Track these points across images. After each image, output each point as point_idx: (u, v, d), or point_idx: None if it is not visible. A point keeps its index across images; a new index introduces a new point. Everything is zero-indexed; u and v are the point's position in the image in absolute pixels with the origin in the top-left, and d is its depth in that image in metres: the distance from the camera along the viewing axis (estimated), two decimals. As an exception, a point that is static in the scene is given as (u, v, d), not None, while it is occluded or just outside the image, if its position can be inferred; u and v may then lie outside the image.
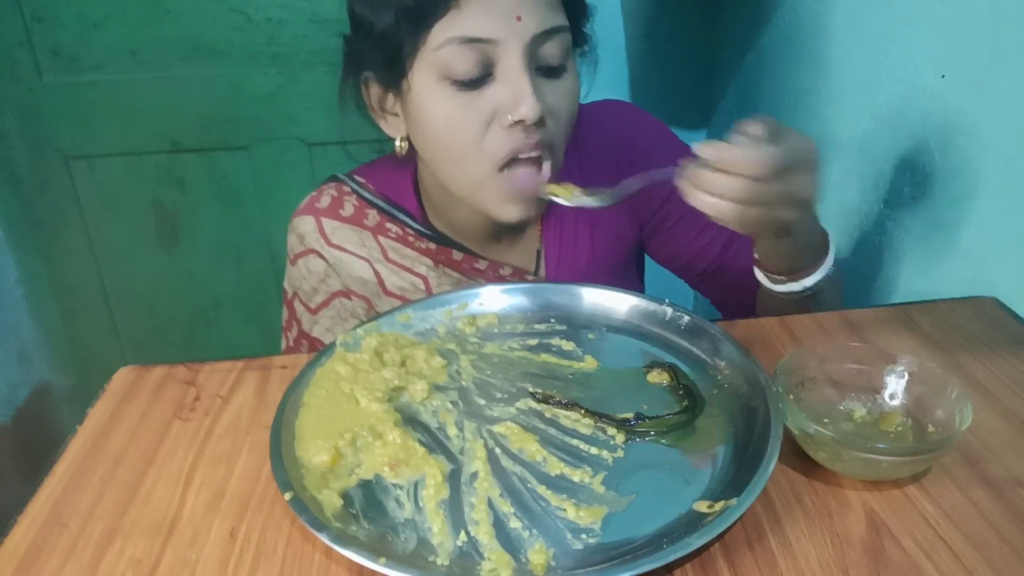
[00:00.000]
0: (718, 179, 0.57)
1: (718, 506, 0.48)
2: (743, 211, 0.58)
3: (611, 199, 0.68)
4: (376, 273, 0.83)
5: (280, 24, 1.50)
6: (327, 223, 0.83)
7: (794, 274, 0.70)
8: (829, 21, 1.02)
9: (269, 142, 1.59)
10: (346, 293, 0.84)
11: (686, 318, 0.67)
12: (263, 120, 1.57)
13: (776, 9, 1.17)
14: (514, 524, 0.50)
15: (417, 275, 0.84)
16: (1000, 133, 0.73)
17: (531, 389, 0.62)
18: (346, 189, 0.85)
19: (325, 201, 0.84)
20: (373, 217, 0.84)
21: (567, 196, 0.70)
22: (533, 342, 0.68)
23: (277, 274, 0.88)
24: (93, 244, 1.67)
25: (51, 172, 1.59)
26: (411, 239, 0.84)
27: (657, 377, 0.62)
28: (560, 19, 0.69)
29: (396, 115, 0.76)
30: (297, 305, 0.85)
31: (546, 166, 0.72)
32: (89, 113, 1.55)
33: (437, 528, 0.50)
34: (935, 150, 0.82)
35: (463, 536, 0.49)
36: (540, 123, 0.69)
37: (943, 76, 0.80)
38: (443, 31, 0.67)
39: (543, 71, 0.70)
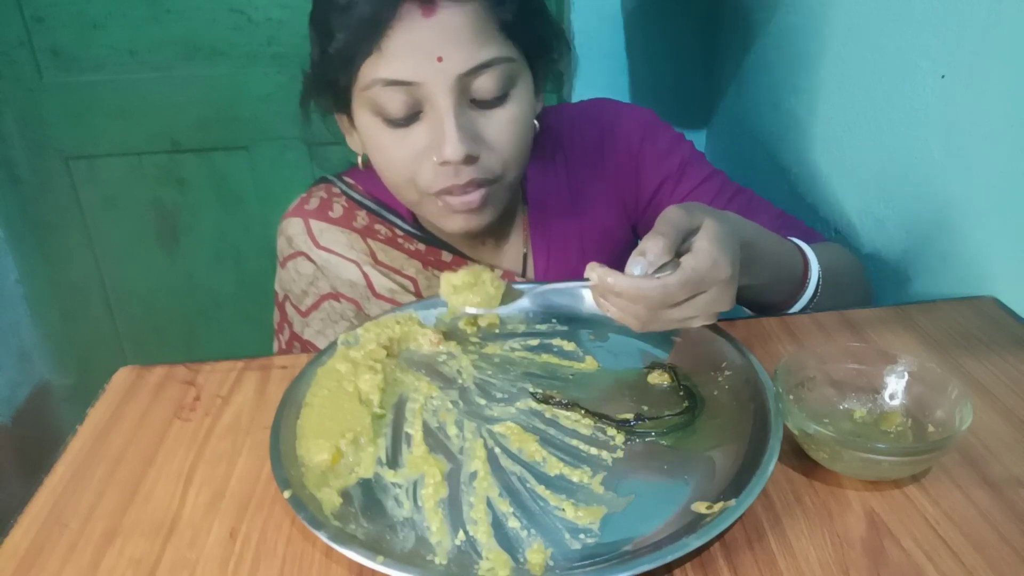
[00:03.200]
0: (615, 303, 0.57)
1: (717, 507, 0.48)
2: (646, 326, 0.57)
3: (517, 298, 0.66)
4: (365, 276, 0.82)
5: (280, 24, 1.50)
6: (315, 225, 0.83)
7: (778, 307, 0.71)
8: (829, 21, 1.02)
9: (269, 142, 1.59)
10: (335, 296, 0.83)
11: None
12: (263, 120, 1.57)
13: (776, 9, 1.17)
14: (512, 524, 0.50)
15: (407, 277, 0.83)
16: (1000, 133, 0.73)
17: (531, 389, 0.62)
18: (335, 191, 0.85)
19: (314, 203, 0.84)
20: (362, 219, 0.84)
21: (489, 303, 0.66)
22: (534, 342, 0.68)
23: (277, 274, 0.88)
24: (93, 244, 1.67)
25: (51, 172, 1.59)
26: (400, 241, 0.83)
27: (658, 378, 0.62)
28: (493, 52, 0.67)
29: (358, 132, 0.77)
30: (288, 308, 0.85)
31: (480, 193, 0.71)
32: (89, 113, 1.55)
33: (436, 527, 0.50)
34: (935, 150, 0.82)
35: (461, 535, 0.49)
36: (469, 160, 0.68)
37: (943, 76, 0.80)
38: (369, 72, 0.67)
39: (479, 104, 0.69)
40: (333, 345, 0.66)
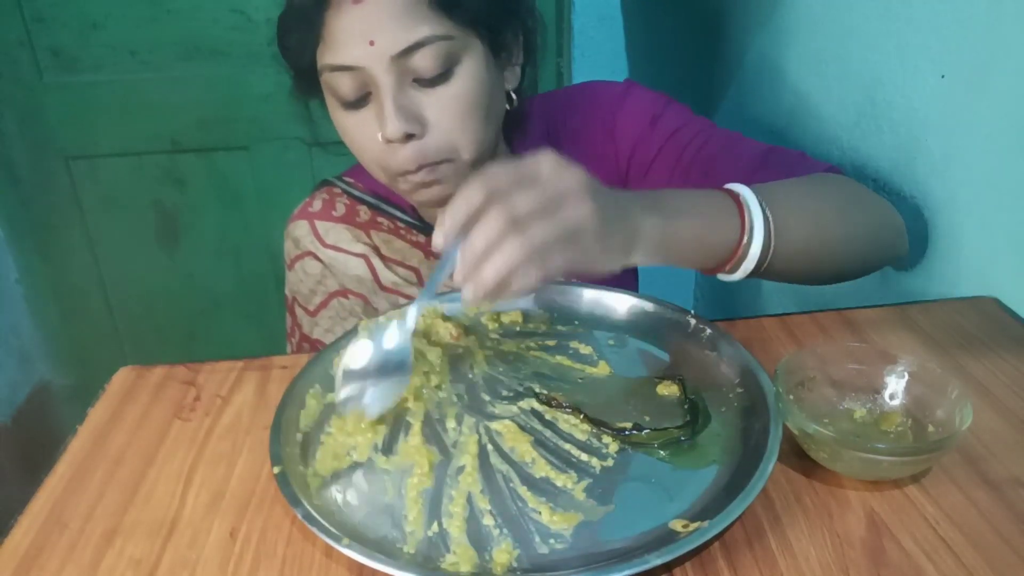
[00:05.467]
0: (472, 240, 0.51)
1: (692, 526, 0.47)
2: (519, 253, 0.49)
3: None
4: (371, 268, 0.84)
5: (280, 24, 1.50)
6: (321, 225, 0.85)
7: (725, 266, 0.62)
8: (829, 21, 1.02)
9: (269, 142, 1.59)
10: (343, 292, 0.84)
11: (708, 330, 0.65)
12: (263, 120, 1.57)
13: (776, 9, 1.17)
14: (487, 521, 0.50)
15: (409, 268, 0.84)
16: (1000, 133, 0.73)
17: (537, 390, 0.62)
18: (336, 190, 0.87)
19: (317, 205, 0.86)
20: (364, 213, 0.85)
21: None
22: (552, 342, 0.68)
23: (277, 274, 0.89)
24: (93, 244, 1.67)
25: (51, 172, 1.59)
26: (402, 232, 0.85)
27: (666, 389, 0.61)
28: (425, 31, 0.67)
29: None
30: (297, 310, 0.86)
31: (426, 171, 0.71)
32: (89, 113, 1.55)
33: (413, 516, 0.50)
34: (935, 150, 0.82)
35: (435, 527, 0.49)
36: (409, 138, 0.69)
37: (943, 76, 0.80)
38: (320, 59, 0.70)
39: (422, 83, 0.69)
40: (338, 341, 0.66)
